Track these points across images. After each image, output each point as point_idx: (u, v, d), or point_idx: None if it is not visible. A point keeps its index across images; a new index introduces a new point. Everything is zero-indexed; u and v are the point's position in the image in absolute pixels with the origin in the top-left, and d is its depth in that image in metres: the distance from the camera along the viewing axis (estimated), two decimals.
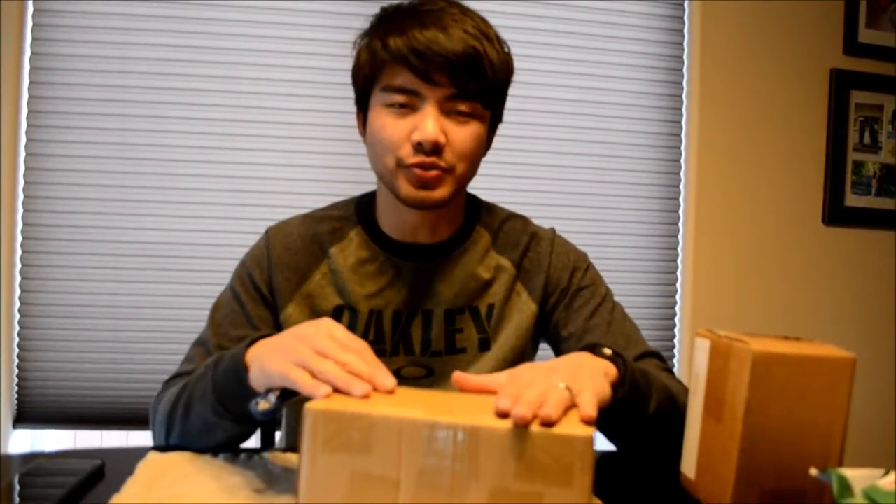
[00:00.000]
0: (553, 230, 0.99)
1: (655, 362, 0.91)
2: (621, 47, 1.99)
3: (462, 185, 0.88)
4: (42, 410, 1.74)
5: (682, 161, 2.04)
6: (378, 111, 0.84)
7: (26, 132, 1.72)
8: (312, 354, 0.60)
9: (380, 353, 0.90)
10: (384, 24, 0.84)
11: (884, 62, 2.11)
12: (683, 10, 2.03)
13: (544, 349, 0.99)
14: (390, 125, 0.82)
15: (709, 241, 2.03)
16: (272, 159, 1.81)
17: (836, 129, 2.08)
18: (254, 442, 1.03)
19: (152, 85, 1.76)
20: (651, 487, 0.76)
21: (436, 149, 0.81)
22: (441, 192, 0.84)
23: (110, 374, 1.75)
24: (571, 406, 0.55)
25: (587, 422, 0.53)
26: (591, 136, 1.97)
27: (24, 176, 1.72)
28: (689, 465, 0.69)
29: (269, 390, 0.63)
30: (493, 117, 0.89)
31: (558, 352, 0.95)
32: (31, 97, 1.72)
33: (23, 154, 1.72)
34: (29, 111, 1.72)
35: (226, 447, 0.77)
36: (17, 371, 1.72)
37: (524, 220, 1.00)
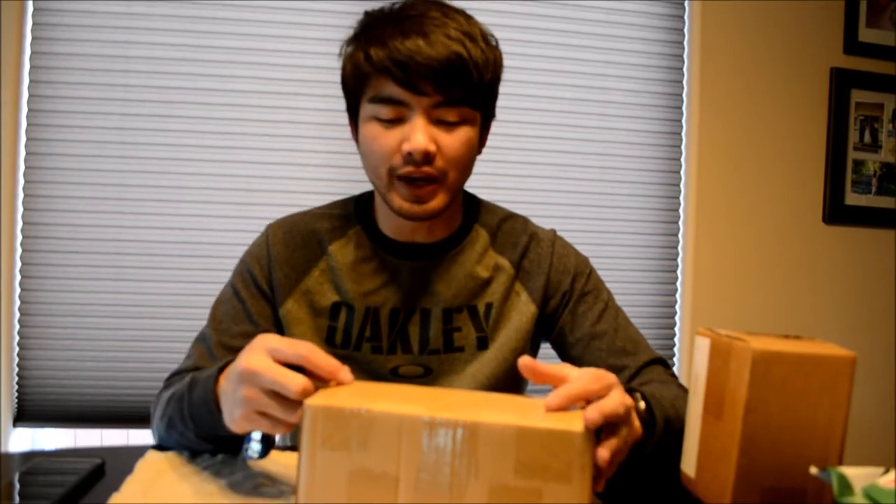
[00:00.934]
0: (553, 232, 0.99)
1: (661, 369, 0.91)
2: (621, 47, 1.99)
3: (456, 191, 0.87)
4: (42, 409, 1.74)
5: (682, 161, 2.04)
6: (367, 122, 0.84)
7: (26, 132, 1.72)
8: (262, 399, 0.58)
9: (376, 350, 0.91)
10: (366, 32, 0.83)
11: (884, 61, 2.11)
12: (683, 10, 2.03)
13: (545, 349, 0.99)
14: (380, 136, 0.82)
15: (709, 241, 2.03)
16: (273, 158, 1.81)
17: (837, 128, 2.08)
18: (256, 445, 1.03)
19: (152, 84, 1.76)
20: (651, 487, 0.76)
21: (426, 158, 0.80)
22: (434, 204, 0.84)
23: (110, 372, 1.75)
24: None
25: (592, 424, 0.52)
26: (591, 136, 1.97)
27: (24, 176, 1.72)
28: (689, 464, 0.69)
29: (249, 437, 0.64)
30: (484, 116, 0.88)
31: (564, 357, 0.95)
32: (31, 97, 1.72)
33: (23, 154, 1.72)
34: (29, 111, 1.72)
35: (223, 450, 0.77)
36: (17, 370, 1.73)
37: (523, 220, 0.99)
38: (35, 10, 1.72)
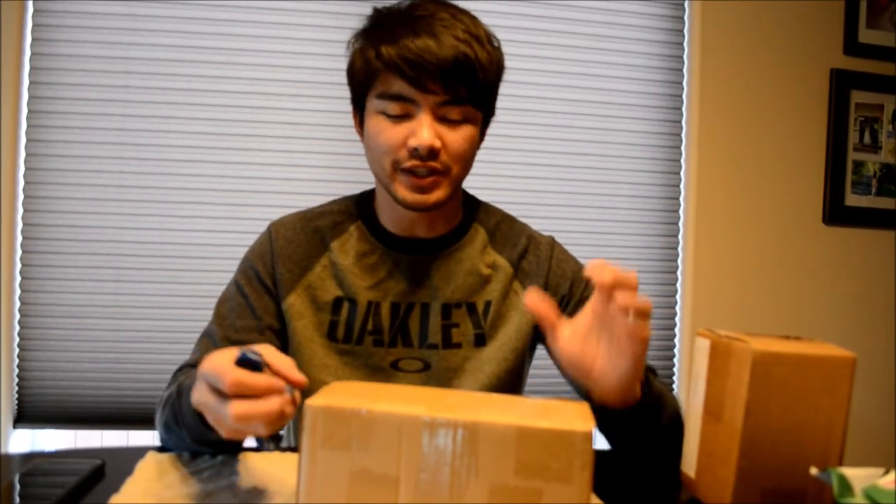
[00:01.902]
0: (552, 238, 1.01)
1: (651, 377, 0.91)
2: (621, 47, 1.99)
3: (457, 185, 0.90)
4: (42, 410, 1.74)
5: (683, 161, 2.04)
6: (374, 116, 0.86)
7: (26, 132, 1.72)
8: (228, 414, 0.56)
9: (378, 343, 0.91)
10: (377, 29, 0.85)
11: (884, 62, 2.11)
12: (683, 10, 2.03)
13: (540, 351, 0.99)
14: (387, 130, 0.85)
15: (709, 241, 2.03)
16: (273, 159, 1.81)
17: (837, 128, 2.08)
18: (253, 441, 1.03)
19: (152, 85, 1.76)
20: (651, 487, 0.76)
21: (432, 154, 0.83)
22: (437, 195, 0.86)
23: (110, 373, 1.75)
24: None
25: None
26: (590, 136, 1.97)
27: (24, 176, 1.72)
28: (689, 465, 0.69)
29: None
30: (485, 115, 0.91)
31: None
32: (31, 97, 1.72)
33: (23, 154, 1.72)
34: (29, 111, 1.72)
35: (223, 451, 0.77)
36: (17, 371, 1.72)
37: (521, 223, 1.02)
38: (35, 10, 1.72)
